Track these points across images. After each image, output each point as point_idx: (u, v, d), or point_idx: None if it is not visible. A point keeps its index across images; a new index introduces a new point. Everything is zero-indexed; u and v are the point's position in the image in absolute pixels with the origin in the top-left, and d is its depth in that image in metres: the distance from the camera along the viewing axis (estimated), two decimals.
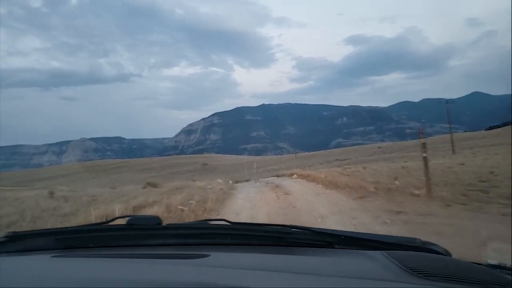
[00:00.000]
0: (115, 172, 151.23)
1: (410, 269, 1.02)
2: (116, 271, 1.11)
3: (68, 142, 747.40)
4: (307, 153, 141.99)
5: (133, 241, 1.44)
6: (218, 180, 17.76)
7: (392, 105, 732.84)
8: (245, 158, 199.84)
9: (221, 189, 14.58)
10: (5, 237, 1.42)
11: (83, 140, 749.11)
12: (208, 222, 1.58)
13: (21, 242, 1.43)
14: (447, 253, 1.34)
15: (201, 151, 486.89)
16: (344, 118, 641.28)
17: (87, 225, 1.64)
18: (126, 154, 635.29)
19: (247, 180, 22.81)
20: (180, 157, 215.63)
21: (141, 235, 1.44)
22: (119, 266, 1.18)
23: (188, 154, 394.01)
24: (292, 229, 1.40)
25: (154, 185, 19.32)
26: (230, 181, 19.22)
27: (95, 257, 1.30)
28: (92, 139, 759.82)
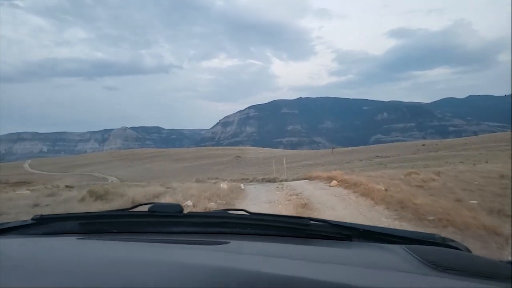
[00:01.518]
0: (150, 161, 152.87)
1: (432, 263, 1.01)
2: (138, 253, 1.13)
3: (110, 130, 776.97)
4: (345, 149, 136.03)
5: (154, 228, 1.47)
6: (222, 184, 14.23)
7: (436, 101, 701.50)
8: (279, 151, 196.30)
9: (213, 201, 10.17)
10: (33, 219, 1.49)
11: (124, 129, 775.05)
12: (228, 211, 1.59)
13: (48, 225, 1.49)
14: (467, 250, 1.33)
15: (236, 143, 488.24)
16: (385, 114, 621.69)
17: (111, 210, 1.70)
18: (165, 144, 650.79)
19: (269, 181, 19.31)
20: (214, 149, 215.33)
21: (163, 222, 1.48)
22: (141, 249, 1.21)
23: (224, 145, 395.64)
24: (311, 221, 1.41)
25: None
26: (242, 185, 15.25)
27: (118, 240, 1.35)
28: (132, 128, 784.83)
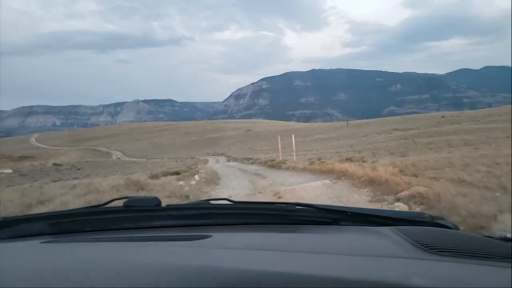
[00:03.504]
0: (158, 135, 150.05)
1: (422, 245, 0.99)
2: (114, 255, 1.07)
3: (122, 103, 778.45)
4: (360, 121, 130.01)
5: (131, 224, 1.38)
6: (195, 176, 9.77)
7: (450, 72, 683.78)
8: (291, 124, 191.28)
9: None
10: None
11: (136, 101, 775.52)
12: (210, 202, 1.52)
13: (13, 228, 1.38)
14: (456, 227, 1.31)
15: (249, 116, 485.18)
16: (398, 85, 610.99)
17: (83, 208, 1.57)
18: (178, 117, 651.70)
19: (272, 166, 14.63)
20: (225, 121, 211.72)
21: (140, 217, 1.39)
22: (117, 249, 1.13)
23: (237, 118, 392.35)
24: (296, 207, 1.36)
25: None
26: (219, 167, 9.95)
27: (92, 241, 1.25)
28: (145, 101, 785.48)
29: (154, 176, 10.53)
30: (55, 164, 49.21)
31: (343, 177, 8.32)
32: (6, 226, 1.37)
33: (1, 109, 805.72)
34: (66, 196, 6.94)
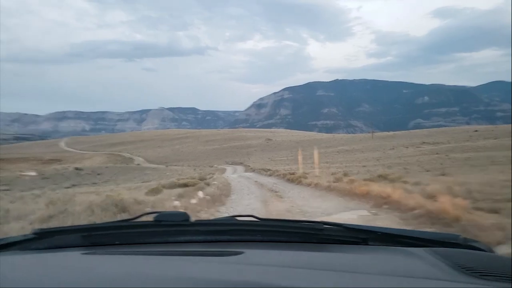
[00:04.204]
0: (180, 143, 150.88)
1: (463, 267, 0.95)
2: (146, 268, 1.08)
3: (147, 110, 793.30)
4: (386, 133, 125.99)
5: (160, 238, 1.42)
6: (199, 193, 8.14)
7: (482, 84, 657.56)
8: (313, 135, 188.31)
9: None
10: (33, 234, 1.43)
11: (161, 109, 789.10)
12: (236, 218, 1.53)
13: (49, 239, 1.43)
14: (490, 250, 1.27)
15: (270, 126, 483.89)
16: (425, 97, 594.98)
17: (114, 221, 1.63)
18: (200, 125, 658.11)
19: (292, 180, 12.66)
20: (246, 130, 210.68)
21: (169, 231, 1.42)
22: (149, 262, 1.15)
23: (258, 127, 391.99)
24: (324, 226, 1.35)
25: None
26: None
27: (123, 254, 1.29)
28: (169, 108, 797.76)
29: (154, 191, 9.05)
30: (76, 169, 49.33)
31: (385, 205, 6.31)
32: (41, 238, 1.42)
33: (37, 113, 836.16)
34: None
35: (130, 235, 1.45)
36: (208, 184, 13.03)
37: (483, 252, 1.20)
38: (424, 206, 5.22)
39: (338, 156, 54.32)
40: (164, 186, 11.53)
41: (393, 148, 61.71)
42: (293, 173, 15.98)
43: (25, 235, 1.45)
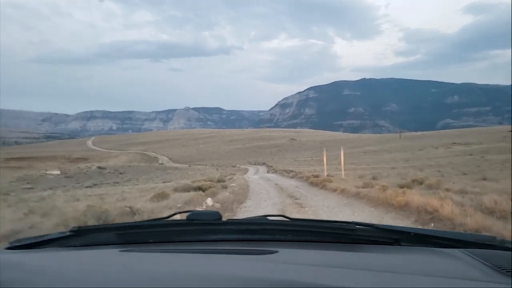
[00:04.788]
0: (204, 142, 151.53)
1: (502, 269, 0.94)
2: (182, 265, 1.11)
3: (173, 110, 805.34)
4: (414, 133, 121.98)
5: (193, 237, 1.44)
6: (207, 200, 7.15)
7: None
8: (338, 135, 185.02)
9: None
10: (71, 231, 1.47)
11: (186, 109, 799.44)
12: (267, 217, 1.53)
13: (85, 237, 1.48)
14: None
15: (295, 125, 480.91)
16: (455, 97, 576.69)
17: (148, 220, 1.64)
18: (225, 124, 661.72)
19: (315, 184, 11.33)
20: (270, 130, 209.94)
21: (201, 230, 1.44)
22: (184, 260, 1.17)
23: (282, 127, 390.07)
24: (357, 226, 1.35)
25: None
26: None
27: (157, 251, 1.32)
28: (194, 108, 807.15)
29: (160, 196, 8.17)
30: (99, 168, 49.78)
31: (432, 223, 4.97)
32: (78, 235, 1.46)
33: (66, 113, 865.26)
34: None
35: (163, 233, 1.48)
36: (225, 187, 12.11)
37: None
38: (490, 228, 3.87)
39: (364, 157, 52.41)
40: (176, 190, 10.69)
41: (422, 149, 59.17)
42: (317, 176, 14.85)
43: (62, 232, 1.50)
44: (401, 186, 8.18)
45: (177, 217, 1.58)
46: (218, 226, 1.43)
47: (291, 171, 23.49)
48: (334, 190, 10.04)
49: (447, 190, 7.12)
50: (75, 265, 1.16)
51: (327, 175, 13.78)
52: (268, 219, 1.49)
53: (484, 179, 12.89)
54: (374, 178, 12.74)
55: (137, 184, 26.72)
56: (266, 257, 1.12)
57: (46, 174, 38.55)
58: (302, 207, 7.53)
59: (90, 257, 1.28)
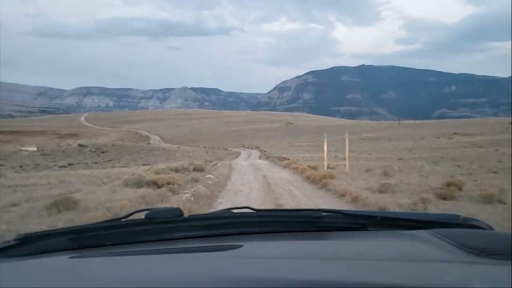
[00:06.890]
0: (199, 123, 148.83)
1: (467, 247, 0.94)
2: (138, 269, 1.04)
3: (171, 89, 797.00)
4: (413, 121, 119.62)
5: (153, 236, 1.36)
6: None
7: None
8: (335, 120, 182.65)
9: None
10: (16, 239, 1.33)
11: (184, 89, 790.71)
12: (231, 210, 1.49)
13: (34, 244, 1.34)
14: (490, 228, 1.25)
15: (292, 109, 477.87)
16: (453, 87, 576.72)
17: (104, 221, 1.54)
18: (223, 106, 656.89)
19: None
20: (267, 113, 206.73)
21: (162, 228, 1.36)
22: (141, 263, 1.10)
23: (280, 111, 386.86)
24: (323, 213, 1.32)
25: None
26: None
27: (115, 255, 1.23)
28: (192, 88, 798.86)
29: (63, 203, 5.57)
30: (80, 145, 46.83)
31: None
32: (25, 244, 1.33)
33: (62, 88, 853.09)
34: None
35: (121, 234, 1.38)
36: (196, 180, 9.56)
37: (484, 230, 1.19)
38: None
39: (363, 144, 50.02)
40: (126, 183, 8.13)
41: (422, 138, 56.88)
42: (314, 167, 12.27)
43: (6, 242, 1.35)
44: (441, 196, 5.66)
45: (136, 216, 1.48)
46: (179, 223, 1.36)
47: (285, 158, 20.96)
48: (342, 195, 7.14)
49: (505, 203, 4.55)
50: (20, 277, 1.06)
51: (328, 170, 11.02)
52: (232, 212, 1.45)
53: None
54: (385, 174, 10.22)
55: (114, 167, 24.08)
56: (231, 253, 1.08)
57: (21, 150, 35.74)
58: None
59: (38, 267, 1.17)
